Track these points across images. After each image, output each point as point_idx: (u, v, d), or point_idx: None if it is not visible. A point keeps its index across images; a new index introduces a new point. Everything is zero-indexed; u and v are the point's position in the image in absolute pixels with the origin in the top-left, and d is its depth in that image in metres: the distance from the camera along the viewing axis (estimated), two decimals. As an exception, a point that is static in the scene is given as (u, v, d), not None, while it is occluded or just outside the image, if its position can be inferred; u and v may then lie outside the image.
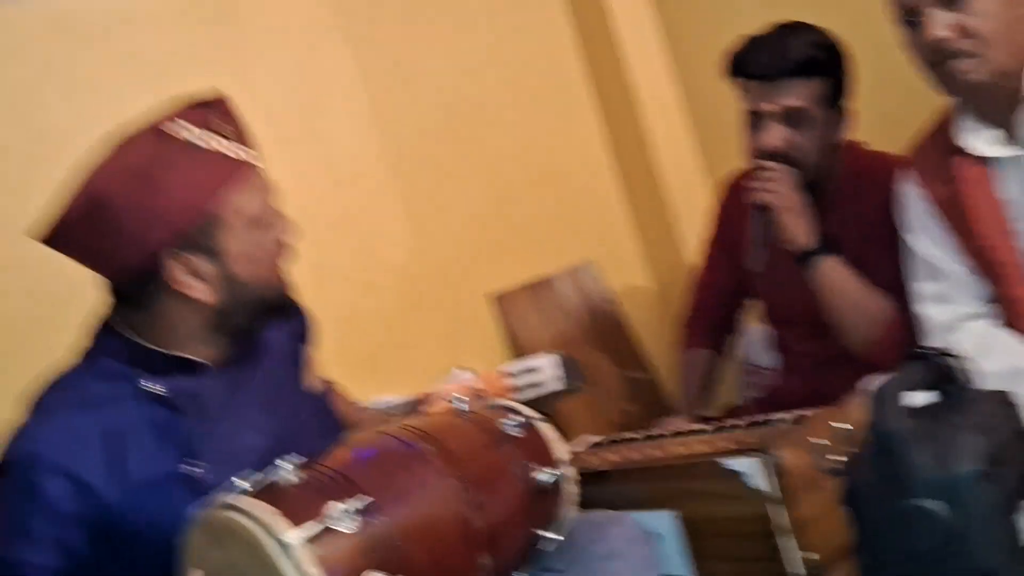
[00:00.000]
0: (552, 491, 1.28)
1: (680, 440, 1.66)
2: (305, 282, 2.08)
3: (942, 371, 1.18)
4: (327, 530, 1.03)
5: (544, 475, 1.26)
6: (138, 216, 1.20)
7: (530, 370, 1.79)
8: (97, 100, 1.98)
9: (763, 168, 1.80)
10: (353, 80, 2.37)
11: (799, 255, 1.78)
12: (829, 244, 1.78)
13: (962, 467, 1.04)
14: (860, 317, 1.76)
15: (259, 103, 2.19)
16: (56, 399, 1.26)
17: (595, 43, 2.72)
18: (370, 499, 1.06)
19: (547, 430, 1.34)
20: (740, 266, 2.06)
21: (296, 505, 1.05)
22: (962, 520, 1.02)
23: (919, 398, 1.17)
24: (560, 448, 1.32)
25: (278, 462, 1.10)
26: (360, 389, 2.12)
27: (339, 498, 1.06)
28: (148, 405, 1.26)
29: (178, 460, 1.25)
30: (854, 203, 1.84)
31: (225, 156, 1.25)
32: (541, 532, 1.27)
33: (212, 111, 1.26)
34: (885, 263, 1.75)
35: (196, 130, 1.23)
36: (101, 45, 2.01)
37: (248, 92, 2.16)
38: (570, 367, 1.84)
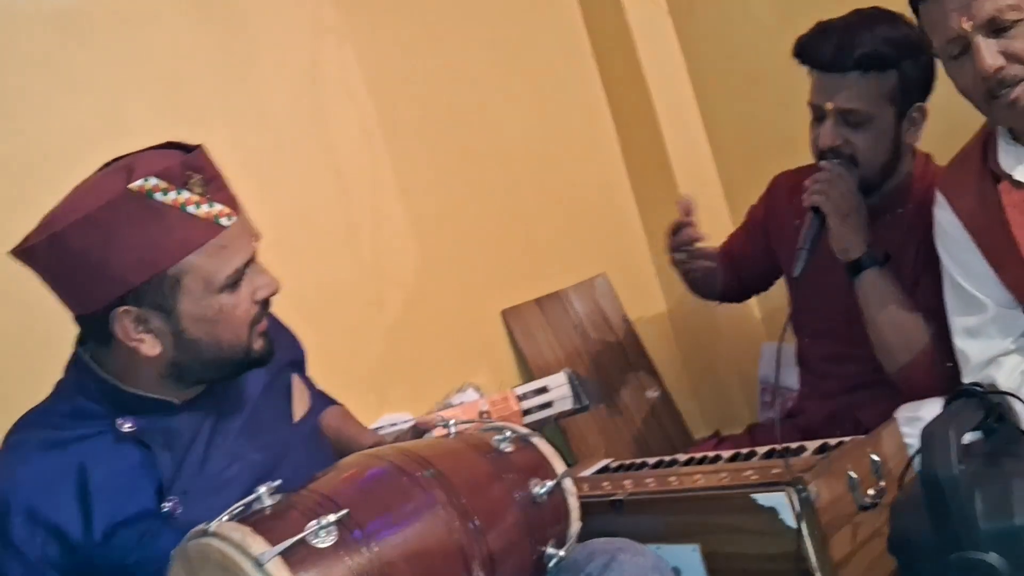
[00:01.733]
0: (554, 506, 1.24)
1: (697, 468, 1.59)
2: (311, 295, 2.05)
3: (992, 409, 1.12)
4: (303, 544, 1.00)
5: (544, 490, 1.22)
6: (92, 267, 1.18)
7: (541, 390, 1.75)
8: (97, 100, 1.92)
9: (821, 169, 1.71)
10: (360, 87, 2.31)
11: (849, 264, 1.71)
12: (881, 256, 1.71)
13: (1022, 517, 0.97)
14: (899, 337, 1.69)
15: (264, 108, 2.15)
16: (29, 439, 1.25)
17: (612, 57, 2.68)
18: (346, 511, 1.04)
19: (543, 445, 1.30)
20: (761, 262, 2.05)
21: (272, 525, 1.03)
22: (1024, 575, 0.96)
23: (967, 438, 1.11)
24: (558, 462, 1.28)
25: (256, 489, 1.08)
26: (367, 404, 2.08)
27: (319, 516, 1.03)
28: (123, 443, 1.25)
29: (155, 497, 1.24)
30: (915, 219, 1.75)
31: (191, 216, 1.20)
32: (546, 549, 1.23)
33: (185, 164, 1.21)
34: (933, 287, 1.67)
35: (163, 184, 1.18)
36: (102, 44, 1.95)
37: (252, 97, 2.13)
38: (582, 386, 1.79)
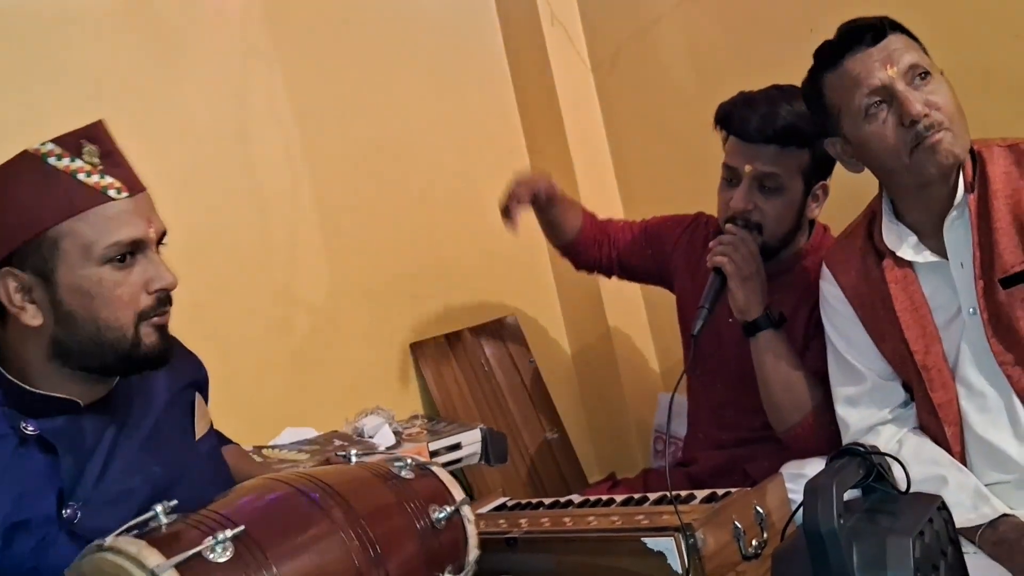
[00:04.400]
0: (453, 534, 1.25)
1: (591, 510, 1.63)
2: (219, 312, 2.03)
3: (872, 469, 1.18)
4: (199, 558, 0.99)
5: (443, 515, 1.23)
6: None
7: (454, 447, 1.77)
8: (15, 99, 1.89)
9: (727, 232, 1.78)
10: (286, 111, 2.31)
11: (746, 324, 1.77)
12: (777, 318, 1.78)
13: (895, 572, 1.03)
14: (789, 397, 1.76)
15: (187, 123, 2.13)
16: None
17: (535, 107, 2.74)
18: (242, 527, 1.03)
19: (443, 474, 1.31)
20: (647, 270, 2.18)
21: (168, 539, 1.02)
22: (893, 626, 1.02)
23: (848, 495, 1.17)
24: (457, 490, 1.29)
25: (153, 507, 1.06)
26: (267, 425, 2.05)
27: (215, 532, 1.03)
28: (26, 446, 1.22)
29: (56, 503, 1.22)
30: (809, 286, 1.82)
31: (79, 183, 1.21)
32: None
33: (80, 134, 1.23)
34: (822, 352, 1.74)
35: (58, 150, 1.21)
36: (31, 48, 1.92)
37: (176, 111, 2.11)
38: (493, 445, 1.82)
